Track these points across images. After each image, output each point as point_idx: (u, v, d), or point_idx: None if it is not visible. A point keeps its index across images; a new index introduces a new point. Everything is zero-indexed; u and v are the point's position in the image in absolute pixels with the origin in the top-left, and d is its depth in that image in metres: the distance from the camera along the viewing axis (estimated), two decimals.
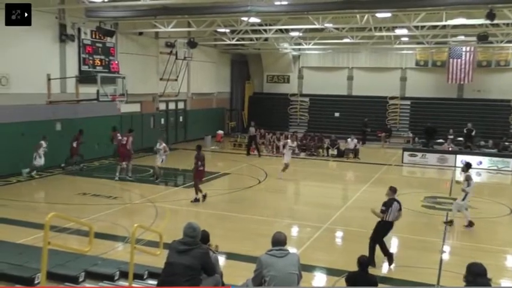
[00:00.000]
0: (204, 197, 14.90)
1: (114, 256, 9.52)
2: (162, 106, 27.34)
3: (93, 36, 21.09)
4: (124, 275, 7.42)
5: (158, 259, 7.77)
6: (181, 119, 29.33)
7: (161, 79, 26.07)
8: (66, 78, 19.82)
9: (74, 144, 18.94)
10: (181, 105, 29.32)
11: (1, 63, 17.00)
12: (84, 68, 20.65)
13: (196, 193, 14.81)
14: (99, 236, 10.15)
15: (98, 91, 18.40)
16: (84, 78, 20.11)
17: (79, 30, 20.31)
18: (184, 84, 28.30)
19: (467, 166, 13.06)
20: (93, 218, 12.41)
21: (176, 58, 26.47)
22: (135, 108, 24.72)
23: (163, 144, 18.11)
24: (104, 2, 17.41)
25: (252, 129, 25.55)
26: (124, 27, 22.87)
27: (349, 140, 25.58)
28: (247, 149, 25.49)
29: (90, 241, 6.43)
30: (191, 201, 14.71)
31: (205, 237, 6.36)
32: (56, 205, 13.75)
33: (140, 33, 24.09)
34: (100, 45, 21.57)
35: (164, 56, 26.23)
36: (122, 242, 10.92)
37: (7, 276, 6.65)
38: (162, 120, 27.38)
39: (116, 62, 22.26)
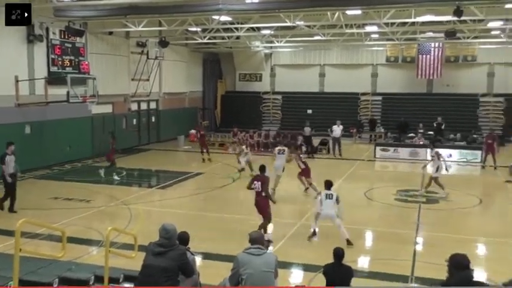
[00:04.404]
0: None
1: (88, 260, 9.40)
2: (134, 106, 27.03)
3: (62, 37, 20.65)
4: (99, 280, 7.34)
5: (134, 262, 7.71)
6: (153, 119, 29.06)
7: (133, 79, 25.76)
8: (35, 79, 19.38)
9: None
10: (153, 105, 29.05)
11: None
12: (54, 69, 20.20)
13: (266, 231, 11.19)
14: (73, 240, 10.00)
15: (68, 92, 18.08)
16: (54, 79, 19.69)
17: (47, 30, 19.85)
18: (156, 84, 28.03)
19: None
20: (66, 222, 12.18)
21: (147, 58, 26.24)
22: (107, 109, 24.38)
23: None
24: (72, 1, 17.09)
25: (307, 129, 24.70)
26: (93, 26, 22.48)
27: (334, 127, 24.00)
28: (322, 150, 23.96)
29: (63, 246, 6.36)
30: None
31: (184, 239, 6.30)
32: (26, 210, 13.44)
33: (110, 33, 23.71)
34: (69, 45, 21.15)
35: (135, 55, 25.93)
36: (96, 246, 10.77)
37: None
38: (135, 121, 27.10)
39: (86, 62, 21.89)
